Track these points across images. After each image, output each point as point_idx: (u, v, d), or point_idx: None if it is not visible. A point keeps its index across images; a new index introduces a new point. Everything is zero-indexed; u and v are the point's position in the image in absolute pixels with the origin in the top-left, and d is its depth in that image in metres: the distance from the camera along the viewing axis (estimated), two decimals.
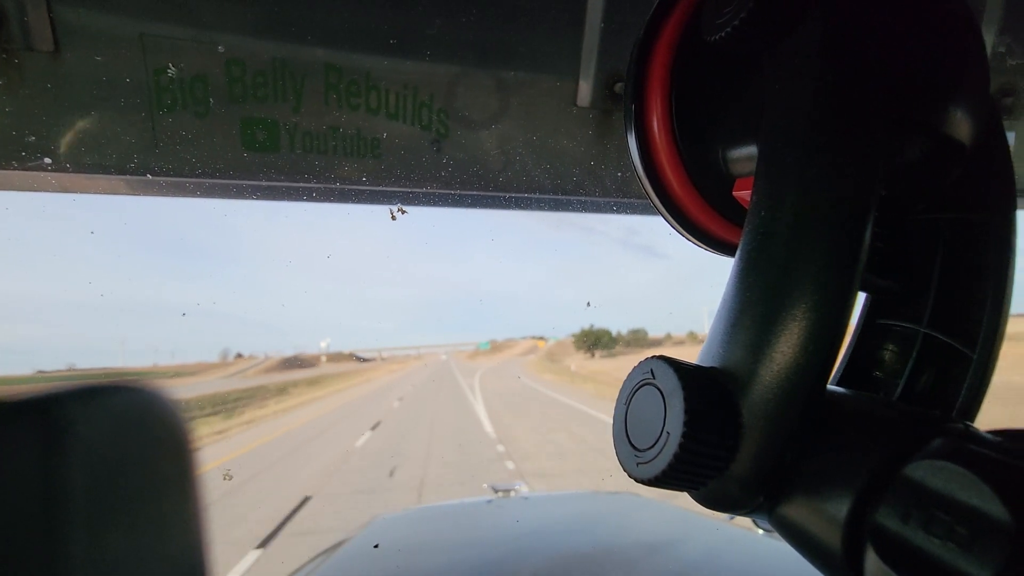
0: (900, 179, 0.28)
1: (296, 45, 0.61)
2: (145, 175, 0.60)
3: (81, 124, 0.57)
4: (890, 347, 0.31)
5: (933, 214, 0.30)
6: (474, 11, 0.64)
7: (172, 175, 0.61)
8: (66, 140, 0.57)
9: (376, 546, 1.13)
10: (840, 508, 0.21)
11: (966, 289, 0.29)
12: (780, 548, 1.03)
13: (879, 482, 0.20)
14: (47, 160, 0.57)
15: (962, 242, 0.29)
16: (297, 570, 1.15)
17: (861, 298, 0.33)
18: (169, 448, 0.17)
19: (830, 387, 0.25)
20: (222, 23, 0.59)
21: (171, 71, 0.58)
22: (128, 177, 0.60)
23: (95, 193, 0.65)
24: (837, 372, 0.32)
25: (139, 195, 0.66)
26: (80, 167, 0.58)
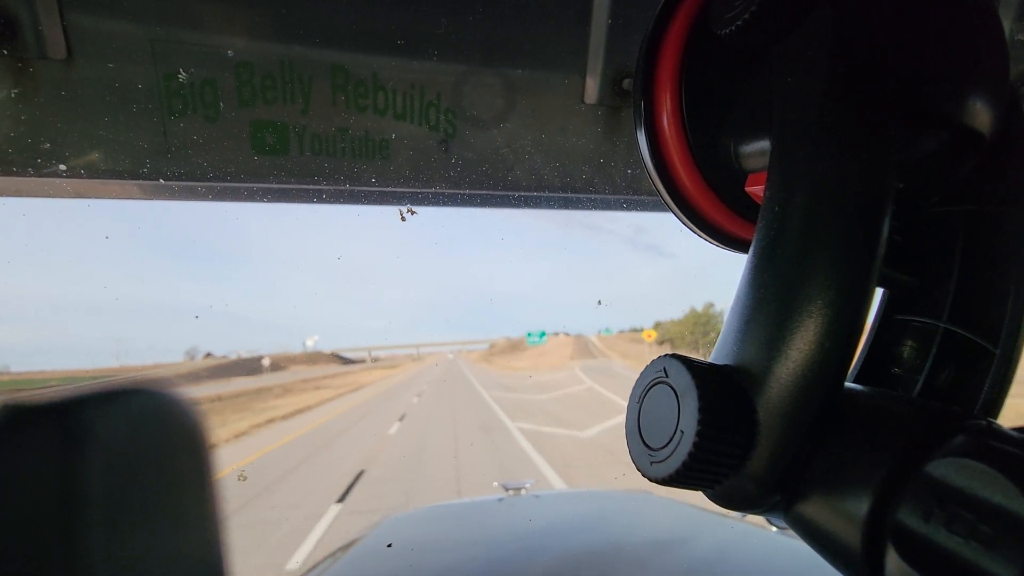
0: (917, 171, 0.28)
1: (303, 47, 0.62)
2: (157, 180, 0.61)
3: (94, 130, 0.58)
4: (909, 343, 0.31)
5: (952, 206, 0.30)
6: (480, 10, 0.64)
7: (184, 179, 0.61)
8: (80, 146, 0.58)
9: (389, 545, 1.14)
10: (860, 506, 0.20)
11: (987, 282, 0.28)
12: (793, 545, 1.02)
13: (899, 480, 0.20)
14: (62, 167, 0.58)
15: (982, 234, 0.29)
16: (310, 569, 1.17)
17: (878, 293, 0.32)
18: (186, 450, 0.17)
19: (848, 384, 0.24)
20: (230, 27, 0.60)
21: (181, 76, 0.59)
22: (141, 182, 0.61)
23: (109, 198, 0.66)
24: (855, 369, 0.32)
25: (152, 199, 0.67)
26: (94, 173, 0.59)
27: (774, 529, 1.11)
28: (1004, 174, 0.29)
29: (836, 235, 0.23)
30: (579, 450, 8.35)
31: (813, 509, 0.22)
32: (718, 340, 0.26)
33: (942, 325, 0.29)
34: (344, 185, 0.65)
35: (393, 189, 0.67)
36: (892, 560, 0.19)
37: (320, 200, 0.69)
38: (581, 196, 0.72)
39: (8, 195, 0.62)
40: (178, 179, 0.61)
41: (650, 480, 0.25)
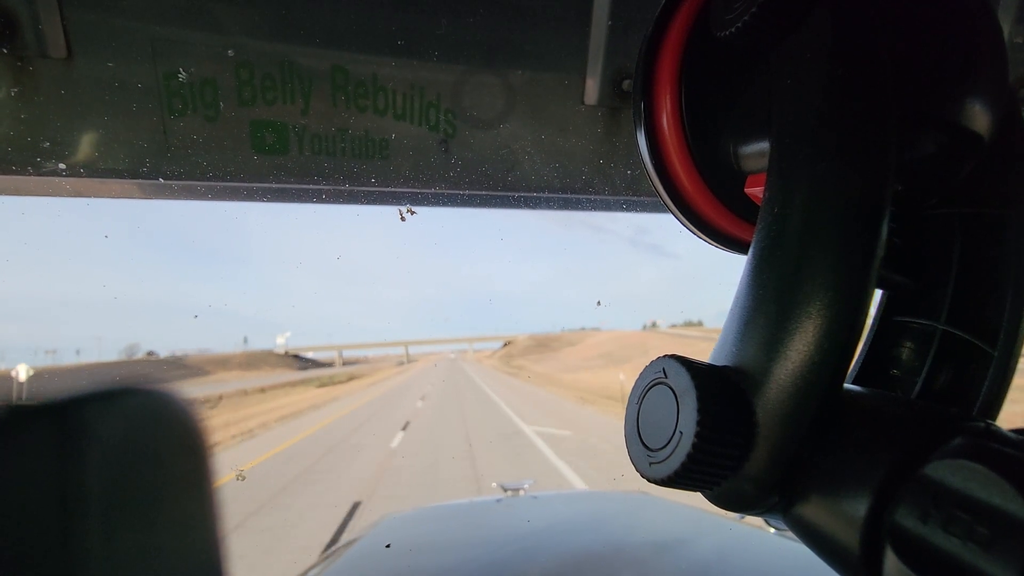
0: (915, 173, 0.28)
1: (304, 48, 0.62)
2: (157, 179, 0.61)
3: (94, 129, 0.58)
4: (907, 344, 0.31)
5: (950, 208, 0.30)
6: (480, 11, 0.64)
7: (183, 178, 0.61)
8: (80, 145, 0.58)
9: (388, 545, 1.14)
10: (858, 508, 0.20)
11: (985, 285, 0.28)
12: (792, 547, 1.02)
13: (897, 481, 0.20)
14: (62, 166, 0.58)
15: (980, 237, 0.29)
16: (308, 569, 1.16)
17: (877, 295, 0.32)
18: (184, 449, 0.17)
19: (846, 385, 0.25)
20: (231, 27, 0.60)
21: (181, 75, 0.59)
22: (141, 181, 0.61)
23: (108, 197, 0.66)
24: (853, 370, 0.32)
25: (151, 199, 0.67)
26: (94, 172, 0.59)
27: (773, 530, 1.11)
28: (1003, 177, 0.29)
29: (835, 237, 0.23)
30: None
31: (811, 510, 0.23)
32: (717, 341, 0.26)
33: (940, 327, 0.29)
34: (344, 185, 0.65)
35: (393, 189, 0.67)
36: (890, 561, 0.19)
37: (320, 200, 0.69)
38: (581, 197, 0.72)
39: (8, 194, 0.62)
40: (178, 178, 0.61)
41: (649, 481, 0.25)
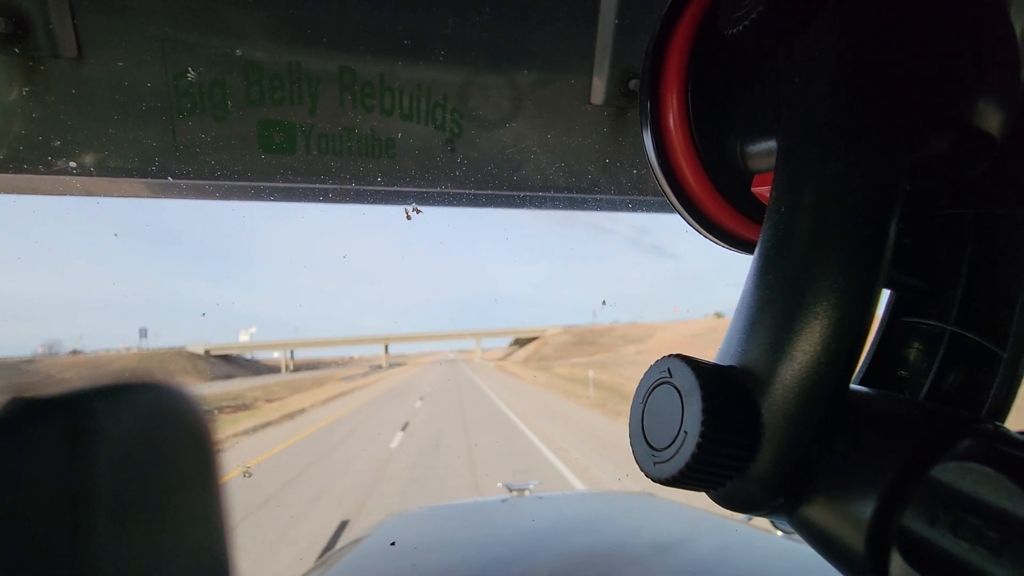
0: (925, 173, 0.28)
1: (311, 48, 0.62)
2: (166, 178, 0.61)
3: (104, 129, 0.59)
4: (916, 345, 0.30)
5: (960, 208, 0.29)
6: (487, 10, 0.64)
7: (192, 178, 0.62)
8: (90, 144, 0.59)
9: (393, 543, 1.14)
10: (864, 510, 0.20)
11: (995, 286, 0.28)
12: (797, 549, 1.02)
13: (905, 484, 0.20)
14: (72, 164, 0.59)
15: (991, 237, 0.28)
16: (312, 568, 1.17)
17: (885, 295, 0.32)
18: (192, 445, 0.17)
19: (853, 386, 0.24)
20: (240, 28, 0.60)
21: (191, 75, 0.59)
22: (150, 180, 0.62)
23: (118, 196, 0.66)
24: (860, 371, 0.31)
25: (160, 198, 0.68)
26: (103, 171, 0.60)
27: (779, 533, 1.11)
28: (1014, 176, 0.28)
29: (843, 237, 0.23)
30: None
31: (817, 512, 0.22)
32: (723, 341, 0.26)
33: (949, 328, 0.29)
34: (350, 184, 0.66)
35: (399, 188, 0.68)
36: (897, 564, 0.18)
37: (326, 199, 0.69)
38: (587, 196, 0.72)
39: (20, 192, 0.63)
40: (186, 177, 0.62)
41: (653, 480, 0.25)
